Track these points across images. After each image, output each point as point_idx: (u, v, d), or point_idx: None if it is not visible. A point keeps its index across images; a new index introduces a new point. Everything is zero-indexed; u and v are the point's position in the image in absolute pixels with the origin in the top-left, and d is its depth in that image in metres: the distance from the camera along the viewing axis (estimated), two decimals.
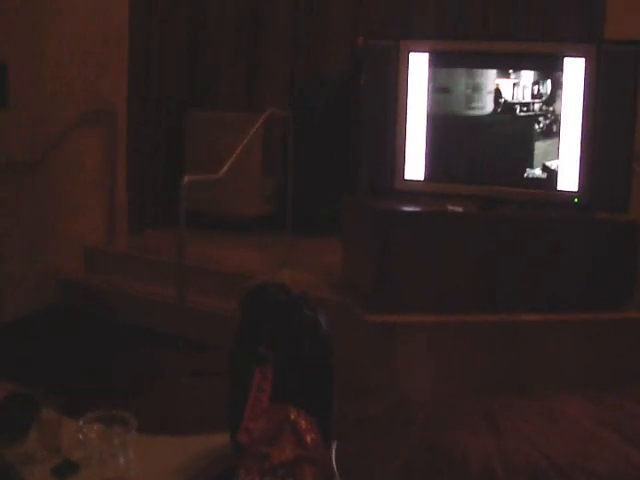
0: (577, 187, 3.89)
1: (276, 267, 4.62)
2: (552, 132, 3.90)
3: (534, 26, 5.78)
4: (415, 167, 4.04)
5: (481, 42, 4.29)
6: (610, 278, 3.92)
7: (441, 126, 4.03)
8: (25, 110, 4.82)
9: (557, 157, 3.91)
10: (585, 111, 3.84)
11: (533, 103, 3.90)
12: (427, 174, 4.03)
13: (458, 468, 2.99)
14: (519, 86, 3.92)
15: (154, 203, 5.88)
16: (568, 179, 3.90)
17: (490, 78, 3.95)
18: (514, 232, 3.88)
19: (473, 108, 3.99)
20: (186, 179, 4.00)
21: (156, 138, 5.93)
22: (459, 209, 3.99)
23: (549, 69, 3.89)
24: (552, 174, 3.92)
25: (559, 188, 3.92)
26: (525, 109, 3.92)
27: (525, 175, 3.95)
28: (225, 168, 4.24)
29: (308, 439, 1.28)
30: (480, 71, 3.97)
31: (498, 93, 3.94)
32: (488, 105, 3.96)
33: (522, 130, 3.95)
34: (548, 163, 3.92)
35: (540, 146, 3.94)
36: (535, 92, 3.90)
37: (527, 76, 3.91)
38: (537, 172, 3.94)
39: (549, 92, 3.88)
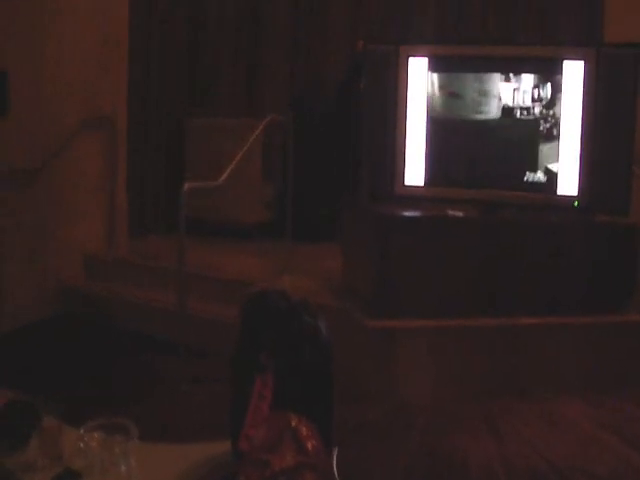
0: (577, 190, 3.89)
1: (276, 273, 4.62)
2: (552, 135, 3.91)
3: (533, 29, 5.79)
4: (415, 172, 4.05)
5: (481, 46, 4.31)
6: (610, 281, 3.92)
7: (441, 130, 4.04)
8: (25, 117, 4.83)
9: (557, 160, 3.91)
10: (585, 114, 3.85)
11: (533, 107, 3.91)
12: (427, 179, 4.04)
13: (458, 472, 2.99)
14: (519, 90, 3.92)
15: (154, 210, 5.89)
16: (568, 182, 3.90)
17: (490, 82, 3.96)
18: (514, 236, 3.88)
19: (473, 112, 4.00)
20: (186, 186, 4.00)
21: (156, 144, 5.94)
22: (459, 214, 4.00)
23: (549, 73, 3.89)
24: (552, 177, 3.92)
25: (559, 191, 3.93)
26: (525, 113, 3.92)
27: (525, 179, 3.95)
28: (225, 175, 4.24)
29: (309, 446, 1.28)
30: (480, 75, 3.98)
31: (498, 97, 3.95)
32: (488, 109, 3.97)
33: (522, 134, 3.96)
34: (548, 166, 3.93)
35: (540, 149, 3.94)
36: (535, 96, 3.90)
37: (527, 80, 3.92)
38: (537, 176, 3.94)
39: (549, 96, 3.89)
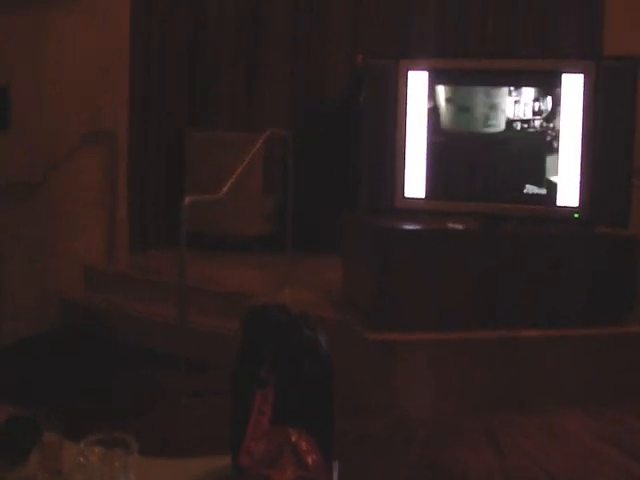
0: (577, 202, 3.90)
1: (277, 286, 4.62)
2: (552, 148, 3.92)
3: (533, 42, 5.82)
4: (415, 185, 4.06)
5: (480, 60, 4.33)
6: (610, 293, 3.93)
7: (440, 144, 4.05)
8: (26, 131, 4.85)
9: (557, 173, 3.92)
10: (585, 126, 3.86)
11: (533, 120, 3.92)
12: (427, 191, 4.05)
13: None
14: (520, 103, 3.94)
15: (155, 223, 5.89)
16: (568, 195, 3.91)
17: (490, 95, 3.97)
18: (514, 248, 3.88)
19: (473, 125, 4.01)
20: (187, 200, 4.01)
21: (157, 158, 5.95)
22: (459, 226, 4.00)
23: (548, 85, 3.91)
24: (552, 190, 3.93)
25: (559, 204, 3.93)
26: (525, 125, 3.94)
27: (525, 191, 3.96)
28: (225, 188, 4.25)
29: (309, 460, 1.28)
30: (480, 88, 3.99)
31: (499, 110, 3.96)
32: (488, 122, 3.98)
33: (522, 146, 3.97)
34: (548, 179, 3.94)
35: (540, 162, 3.96)
36: (536, 109, 3.92)
37: (527, 93, 3.93)
38: (537, 188, 3.95)
39: (549, 108, 3.90)
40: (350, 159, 5.09)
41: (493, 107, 3.97)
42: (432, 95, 4.03)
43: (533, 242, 3.92)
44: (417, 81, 4.02)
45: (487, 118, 3.98)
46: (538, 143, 3.94)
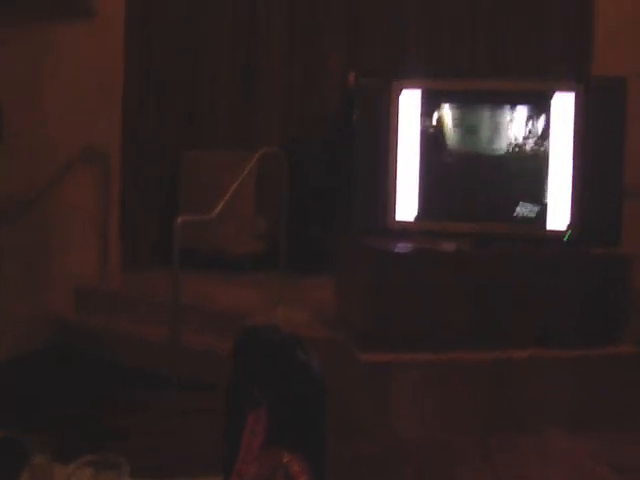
0: (568, 222, 3.92)
1: (270, 305, 4.61)
2: (543, 167, 3.94)
3: (524, 63, 5.86)
4: (407, 205, 4.06)
5: (472, 80, 4.35)
6: (602, 313, 3.93)
7: (433, 164, 4.06)
8: (19, 149, 4.85)
9: (548, 193, 3.94)
10: (575, 146, 3.89)
11: (525, 140, 3.95)
12: (419, 212, 4.05)
13: None
14: (511, 123, 3.96)
15: (147, 242, 5.88)
16: (559, 215, 3.93)
17: (481, 116, 4.00)
18: (506, 269, 3.89)
19: (465, 146, 4.03)
20: (179, 220, 4.01)
21: (150, 177, 5.95)
22: (451, 247, 4.01)
23: (539, 105, 3.94)
24: (543, 210, 3.95)
25: (550, 224, 3.95)
26: (516, 146, 3.96)
27: (516, 212, 3.97)
28: (218, 208, 4.25)
29: None
30: (471, 109, 4.01)
31: (490, 131, 3.98)
32: (479, 142, 4.00)
33: (513, 166, 3.99)
34: (539, 199, 3.95)
35: (531, 182, 3.97)
36: (527, 129, 3.94)
37: (518, 113, 3.96)
38: (528, 208, 3.96)
39: (540, 128, 3.93)
40: (343, 179, 5.10)
41: (483, 128, 3.99)
42: (424, 115, 4.04)
43: (525, 262, 3.93)
44: (410, 101, 4.04)
45: (479, 138, 4.00)
46: (529, 163, 3.96)
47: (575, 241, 3.93)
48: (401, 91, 4.04)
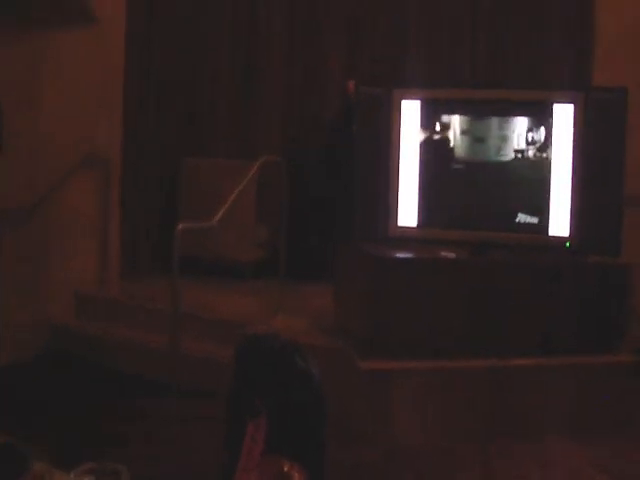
0: (569, 231, 3.92)
1: (270, 313, 4.61)
2: (544, 177, 3.94)
3: (524, 73, 5.88)
4: (408, 213, 4.07)
5: (472, 89, 4.36)
6: (601, 322, 3.93)
7: (433, 173, 4.07)
8: (19, 157, 4.86)
9: (549, 202, 3.94)
10: (576, 156, 3.90)
11: (526, 149, 3.95)
12: (419, 220, 4.06)
13: None
14: (512, 133, 3.97)
15: (148, 248, 5.88)
16: (560, 224, 3.93)
17: (482, 125, 4.01)
18: (506, 277, 3.89)
19: (465, 154, 4.04)
20: (180, 227, 4.01)
21: (150, 184, 5.96)
22: (451, 255, 4.01)
23: (540, 115, 3.95)
24: (544, 219, 3.95)
25: (551, 233, 3.95)
26: (518, 155, 3.97)
27: (517, 220, 3.98)
28: (218, 216, 4.25)
29: None
30: (472, 118, 4.02)
31: (491, 140, 3.99)
32: (480, 152, 4.01)
33: (514, 175, 3.99)
34: (540, 208, 3.96)
35: (532, 191, 3.98)
36: (528, 138, 3.95)
37: (519, 123, 3.97)
38: (529, 217, 3.97)
39: (541, 138, 3.94)
40: (343, 187, 5.10)
41: (484, 137, 4.00)
42: (424, 124, 4.05)
43: (525, 271, 3.94)
44: (410, 110, 4.05)
45: (478, 147, 4.01)
46: (530, 172, 3.97)
47: (575, 250, 3.94)
48: (401, 100, 4.04)
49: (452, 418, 3.73)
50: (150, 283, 5.46)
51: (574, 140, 3.89)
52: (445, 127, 4.05)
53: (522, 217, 3.97)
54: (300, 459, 1.37)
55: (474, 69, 6.01)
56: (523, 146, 3.96)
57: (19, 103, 4.85)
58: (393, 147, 4.04)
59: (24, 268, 4.94)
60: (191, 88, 6.13)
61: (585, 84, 5.17)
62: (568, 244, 3.93)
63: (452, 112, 4.04)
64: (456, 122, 4.04)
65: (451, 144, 4.05)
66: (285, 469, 1.30)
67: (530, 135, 3.95)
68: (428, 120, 4.05)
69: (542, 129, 3.93)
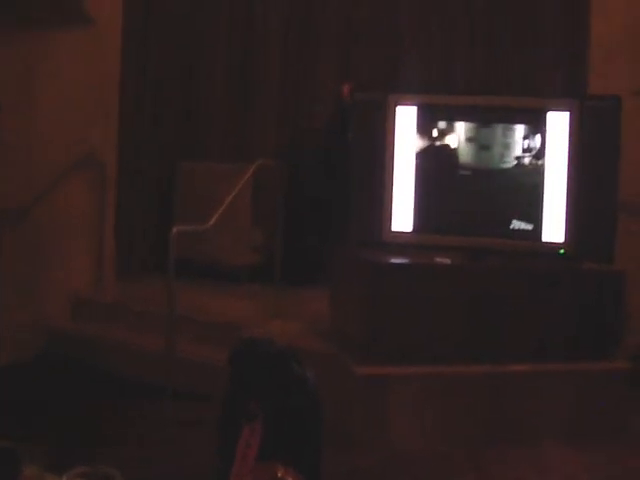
0: (563, 238, 3.93)
1: (265, 317, 4.61)
2: (538, 184, 3.96)
3: (519, 79, 5.90)
4: (403, 219, 4.07)
5: (468, 96, 4.37)
6: (596, 328, 3.94)
7: (428, 178, 4.08)
8: (15, 156, 4.86)
9: (543, 208, 3.95)
10: (570, 163, 3.91)
11: (522, 156, 3.97)
12: (415, 226, 4.07)
13: None
14: (507, 139, 3.98)
15: (143, 252, 5.88)
16: (554, 230, 3.94)
17: (477, 131, 4.02)
18: (501, 283, 3.90)
19: (460, 160, 4.04)
20: (175, 230, 4.02)
21: (146, 187, 5.96)
22: (446, 260, 4.02)
23: (535, 122, 3.96)
24: (538, 225, 3.96)
25: (545, 239, 3.96)
26: (513, 162, 3.98)
27: (511, 226, 3.99)
28: (214, 219, 4.26)
29: None
30: (467, 124, 4.03)
31: (486, 146, 4.01)
32: (475, 158, 4.02)
33: (509, 182, 4.00)
34: (534, 214, 3.97)
35: (527, 198, 3.99)
36: (523, 145, 3.96)
37: (514, 129, 3.98)
38: (523, 223, 3.98)
39: (536, 145, 3.95)
40: (338, 191, 5.11)
41: (481, 143, 4.01)
42: (420, 130, 4.06)
43: (520, 277, 3.95)
44: (405, 116, 4.06)
45: (476, 154, 4.02)
46: (525, 179, 3.98)
47: (570, 257, 3.95)
48: (397, 106, 4.05)
49: (449, 423, 3.73)
50: (146, 285, 5.46)
51: (569, 147, 3.90)
52: (441, 133, 4.06)
53: (517, 224, 3.98)
54: (295, 464, 1.37)
55: (470, 74, 6.02)
56: (519, 152, 3.97)
57: (15, 103, 4.85)
58: (388, 152, 4.05)
59: (20, 269, 4.93)
60: (188, 88, 6.15)
61: (580, 92, 5.19)
62: (562, 251, 3.94)
63: (448, 118, 4.05)
64: (452, 128, 4.05)
65: (447, 150, 4.05)
66: (279, 475, 1.31)
67: (526, 141, 3.96)
68: (424, 126, 4.05)
69: (538, 136, 3.95)
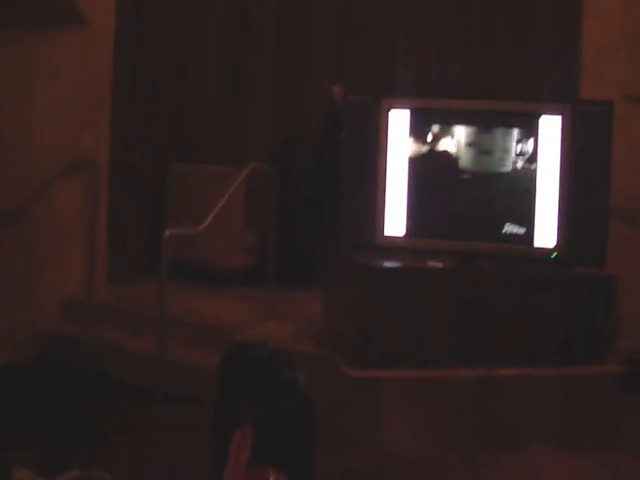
0: (555, 242, 3.94)
1: (259, 319, 4.61)
2: (531, 188, 3.97)
3: (513, 84, 5.91)
4: (395, 222, 4.08)
5: (460, 100, 4.38)
6: (588, 332, 3.95)
7: (421, 182, 4.08)
8: (11, 158, 4.84)
9: (535, 213, 3.96)
10: (562, 168, 3.92)
11: (515, 160, 3.98)
12: (407, 229, 4.07)
13: None
14: (500, 144, 4.00)
15: (135, 254, 5.86)
16: (546, 235, 3.96)
17: (469, 135, 4.03)
18: (493, 287, 3.91)
19: (453, 165, 4.05)
20: (167, 233, 4.01)
21: (139, 189, 5.94)
22: (438, 264, 4.03)
23: (527, 127, 3.97)
24: (530, 230, 3.97)
25: (537, 244, 3.97)
26: (506, 167, 3.99)
27: (504, 231, 4.00)
28: (206, 222, 4.25)
29: None
30: (459, 128, 4.04)
31: (479, 150, 4.02)
32: (468, 162, 4.03)
33: (501, 186, 4.01)
34: (526, 219, 3.98)
35: (519, 202, 4.00)
36: (516, 149, 3.97)
37: (508, 134, 3.99)
38: (515, 228, 3.99)
39: (528, 149, 3.96)
40: (331, 194, 5.11)
41: (474, 147, 4.02)
42: (413, 133, 4.07)
43: (512, 281, 3.95)
44: (398, 119, 4.07)
45: (469, 158, 4.03)
46: (518, 183, 3.99)
47: (561, 261, 3.96)
48: (390, 109, 4.06)
49: (440, 427, 3.74)
50: (138, 288, 5.44)
51: (561, 152, 3.92)
52: (433, 137, 4.06)
53: (509, 228, 3.99)
54: (287, 468, 1.37)
55: (464, 75, 6.02)
56: (511, 157, 3.98)
57: (10, 104, 4.84)
58: (381, 156, 4.05)
59: (11, 273, 4.92)
60: (181, 87, 6.13)
61: (572, 96, 5.21)
62: (554, 255, 3.95)
63: (440, 122, 4.06)
64: (445, 132, 4.05)
65: (440, 154, 4.06)
66: (271, 478, 1.31)
67: (518, 146, 3.97)
68: (417, 129, 4.06)
69: (531, 140, 3.96)
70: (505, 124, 4.00)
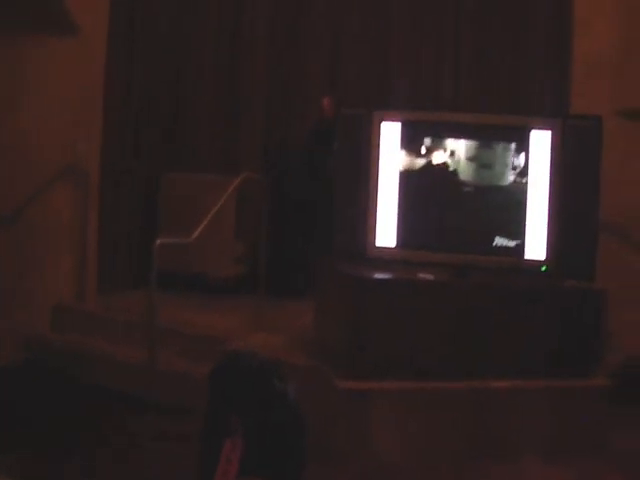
0: (545, 255, 3.96)
1: (249, 330, 4.61)
2: (521, 201, 3.99)
3: (503, 98, 5.96)
4: (386, 234, 4.09)
5: (452, 113, 4.41)
6: (578, 346, 3.96)
7: (412, 195, 4.10)
8: (3, 164, 4.83)
9: (526, 226, 3.99)
10: (552, 181, 3.95)
11: (505, 173, 4.00)
12: (398, 241, 4.08)
13: None
14: (491, 157, 4.02)
15: (125, 263, 5.85)
16: (536, 247, 3.98)
17: (459, 147, 4.05)
18: (483, 300, 3.92)
19: (445, 177, 4.07)
20: (158, 242, 4.01)
21: (129, 198, 5.94)
22: (429, 276, 4.04)
23: (518, 141, 4.00)
24: (521, 242, 3.99)
25: (527, 256, 3.99)
26: (496, 180, 4.01)
27: (494, 243, 4.02)
28: (197, 232, 4.26)
29: None
30: (450, 140, 4.06)
31: (469, 163, 4.04)
32: (459, 174, 4.05)
33: (492, 199, 4.03)
34: (517, 232, 4.00)
35: (510, 215, 4.02)
36: (506, 163, 4.00)
37: (499, 147, 4.01)
38: (506, 240, 4.01)
39: (519, 163, 3.98)
40: (322, 205, 5.12)
41: (465, 160, 4.04)
42: (405, 146, 4.08)
43: (502, 294, 3.97)
44: (390, 132, 4.09)
45: (460, 171, 4.05)
46: (508, 196, 4.01)
47: (552, 274, 3.98)
48: (381, 122, 4.08)
49: (431, 438, 3.74)
50: (128, 297, 5.42)
51: (551, 166, 3.94)
52: (425, 150, 4.08)
53: (499, 240, 4.01)
54: (276, 477, 1.37)
55: (457, 87, 6.07)
56: (502, 170, 4.00)
57: (3, 108, 4.84)
58: (373, 168, 4.07)
59: (1, 277, 4.90)
60: (174, 94, 6.15)
61: (562, 111, 5.25)
62: (544, 268, 3.97)
63: (432, 135, 4.07)
64: (436, 145, 4.07)
65: (431, 167, 4.07)
66: None
67: (509, 159, 4.00)
68: (408, 142, 4.08)
69: (522, 155, 3.99)
70: (497, 138, 4.02)
